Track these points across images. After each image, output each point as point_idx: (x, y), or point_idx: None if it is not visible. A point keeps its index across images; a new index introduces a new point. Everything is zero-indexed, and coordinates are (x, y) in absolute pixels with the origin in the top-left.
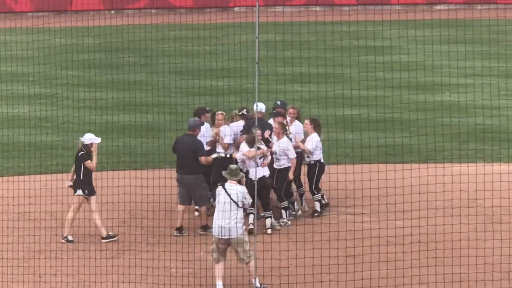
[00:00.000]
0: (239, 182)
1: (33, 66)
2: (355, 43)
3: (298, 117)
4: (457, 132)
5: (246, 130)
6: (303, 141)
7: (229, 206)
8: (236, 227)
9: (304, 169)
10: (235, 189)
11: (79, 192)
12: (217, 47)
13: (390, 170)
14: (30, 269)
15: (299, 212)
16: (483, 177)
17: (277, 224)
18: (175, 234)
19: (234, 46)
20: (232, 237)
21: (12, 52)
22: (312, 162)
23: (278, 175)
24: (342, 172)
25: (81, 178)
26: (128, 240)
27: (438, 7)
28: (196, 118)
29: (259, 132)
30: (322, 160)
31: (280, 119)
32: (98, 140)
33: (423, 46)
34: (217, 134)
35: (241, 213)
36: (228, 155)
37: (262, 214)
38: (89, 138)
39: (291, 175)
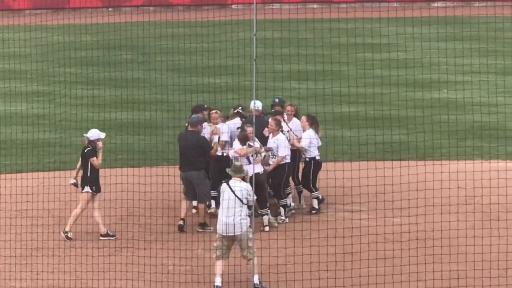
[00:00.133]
0: (244, 179)
1: (30, 64)
2: (352, 40)
3: (296, 114)
4: (454, 129)
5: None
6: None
7: (233, 203)
8: (241, 224)
9: (301, 166)
10: (239, 186)
11: (87, 189)
12: (215, 44)
13: (388, 167)
14: (27, 266)
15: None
16: (480, 174)
17: (275, 222)
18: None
19: (232, 44)
20: (236, 234)
21: (10, 49)
22: (307, 159)
23: (276, 172)
24: (339, 169)
25: (89, 175)
26: (125, 238)
27: (435, 4)
28: (199, 115)
29: (250, 129)
30: (317, 158)
31: (278, 117)
32: (102, 135)
33: (420, 43)
34: (216, 131)
35: (245, 210)
36: (224, 154)
37: (259, 212)
38: (94, 134)
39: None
